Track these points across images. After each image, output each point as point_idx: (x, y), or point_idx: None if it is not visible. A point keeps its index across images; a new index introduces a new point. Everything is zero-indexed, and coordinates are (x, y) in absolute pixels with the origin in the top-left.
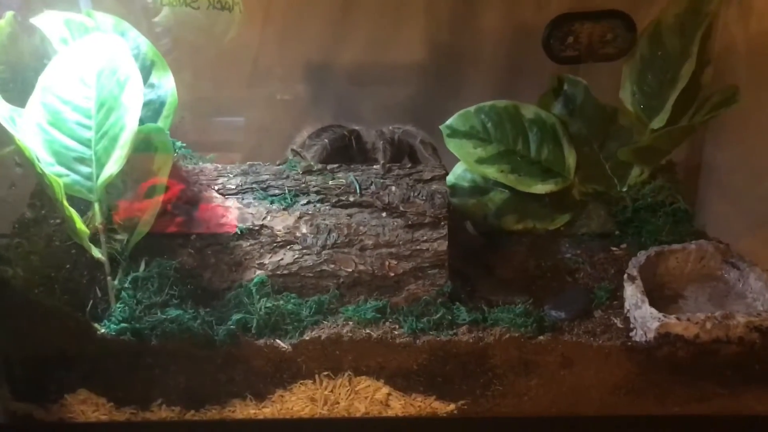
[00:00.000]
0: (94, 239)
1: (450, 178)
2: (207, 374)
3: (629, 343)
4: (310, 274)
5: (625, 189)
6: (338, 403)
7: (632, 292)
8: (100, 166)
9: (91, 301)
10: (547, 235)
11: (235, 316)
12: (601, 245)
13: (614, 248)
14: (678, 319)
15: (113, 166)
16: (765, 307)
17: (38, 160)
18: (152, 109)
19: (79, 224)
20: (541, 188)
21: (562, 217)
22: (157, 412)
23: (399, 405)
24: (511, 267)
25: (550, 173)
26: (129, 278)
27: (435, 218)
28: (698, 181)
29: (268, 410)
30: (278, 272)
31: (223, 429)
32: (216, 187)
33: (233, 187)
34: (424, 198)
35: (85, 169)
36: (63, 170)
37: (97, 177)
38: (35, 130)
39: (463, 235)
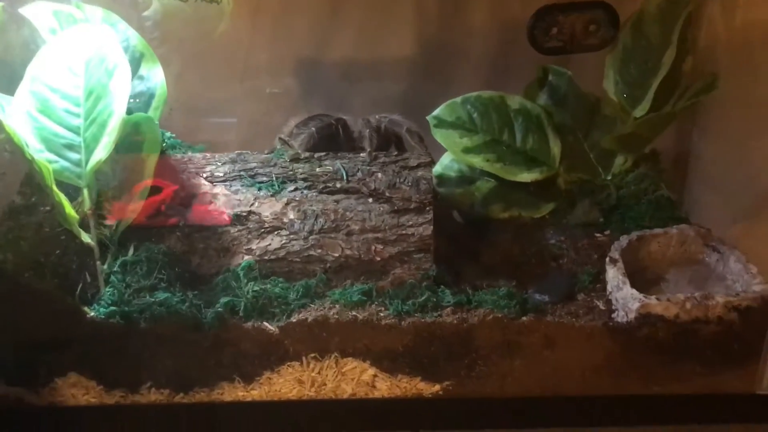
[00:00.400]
0: (84, 225)
1: (437, 169)
2: (195, 357)
3: (611, 324)
4: (298, 259)
5: (609, 178)
6: (325, 384)
7: (614, 275)
8: (89, 152)
9: (81, 285)
10: (533, 223)
11: (223, 300)
12: (585, 232)
13: (598, 234)
14: (658, 299)
15: (102, 152)
16: (744, 288)
17: (27, 147)
18: (142, 102)
19: (69, 209)
20: (526, 176)
21: (547, 205)
22: (147, 395)
23: (385, 386)
24: (496, 254)
25: (536, 162)
26: (118, 262)
27: (420, 204)
28: (687, 172)
29: (256, 392)
30: (266, 257)
31: (211, 412)
32: (204, 175)
33: (221, 174)
34: (409, 184)
35: (74, 156)
36: (52, 156)
37: (86, 163)
38: (24, 118)
39: (450, 224)
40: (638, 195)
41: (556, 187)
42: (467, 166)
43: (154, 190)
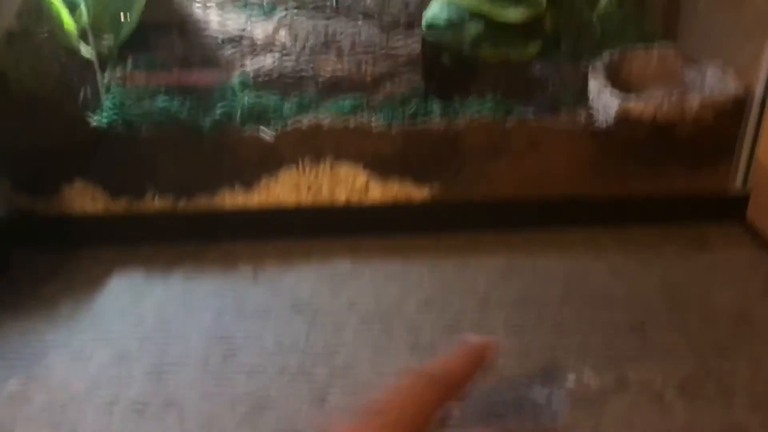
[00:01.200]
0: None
1: (427, 18)
2: (196, 163)
3: (591, 127)
4: (290, 79)
5: (594, 18)
6: (321, 190)
7: (594, 84)
8: None
9: (82, 97)
10: (522, 62)
11: (220, 107)
12: (572, 65)
13: (584, 64)
14: (636, 100)
15: None
16: (720, 91)
17: None
18: None
19: (67, 20)
20: (513, 13)
21: (534, 44)
22: (150, 202)
23: (378, 192)
24: (485, 86)
25: (523, 1)
26: (117, 71)
27: (409, 22)
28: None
29: (255, 198)
30: (260, 78)
31: (214, 218)
32: (197, 3)
33: (213, 2)
34: (399, 5)
35: None
36: None
37: None
38: None
39: (440, 67)
40: (623, 31)
41: (543, 27)
42: (456, 14)
43: None
